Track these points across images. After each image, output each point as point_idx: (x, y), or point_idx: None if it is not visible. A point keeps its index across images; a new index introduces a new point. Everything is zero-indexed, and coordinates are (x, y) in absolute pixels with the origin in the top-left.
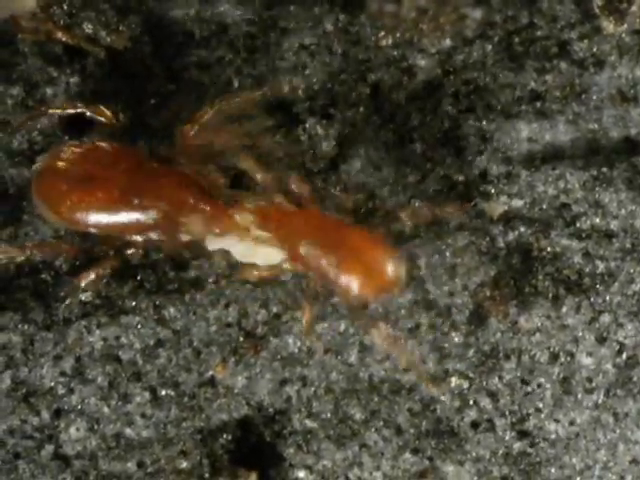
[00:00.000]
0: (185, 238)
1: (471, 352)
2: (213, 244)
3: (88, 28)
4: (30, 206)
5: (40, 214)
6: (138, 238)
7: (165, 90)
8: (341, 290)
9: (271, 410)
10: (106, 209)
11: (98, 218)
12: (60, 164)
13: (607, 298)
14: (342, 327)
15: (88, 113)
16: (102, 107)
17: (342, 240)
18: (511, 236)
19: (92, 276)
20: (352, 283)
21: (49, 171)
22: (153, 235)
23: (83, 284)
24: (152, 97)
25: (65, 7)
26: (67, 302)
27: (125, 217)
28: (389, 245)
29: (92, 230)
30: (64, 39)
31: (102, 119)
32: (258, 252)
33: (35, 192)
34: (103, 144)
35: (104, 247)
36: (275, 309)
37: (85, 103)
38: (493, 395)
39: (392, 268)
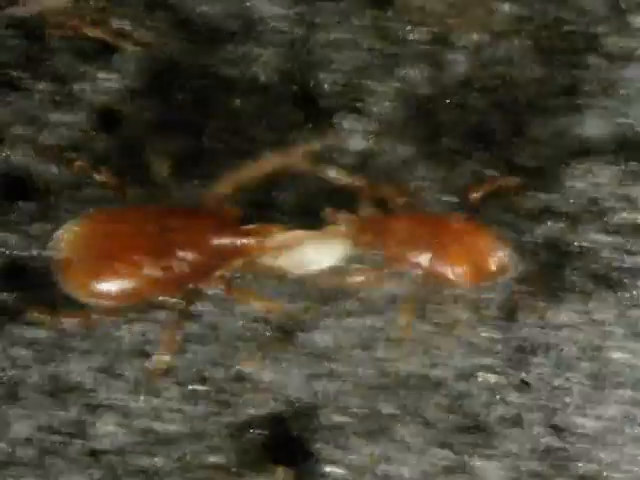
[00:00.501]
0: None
1: (500, 347)
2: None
3: (117, 24)
4: (57, 202)
5: (71, 294)
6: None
7: (193, 86)
8: (450, 282)
9: (299, 405)
10: (138, 277)
11: (131, 287)
12: (79, 243)
13: (636, 293)
14: (370, 322)
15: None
16: (107, 172)
17: (443, 232)
18: (540, 231)
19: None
20: (459, 274)
21: (71, 253)
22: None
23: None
24: (181, 93)
25: (94, 2)
26: None
27: (160, 277)
28: (490, 229)
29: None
30: (93, 34)
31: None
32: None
33: (60, 276)
34: (116, 211)
35: None
36: (303, 304)
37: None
38: (522, 390)
39: (499, 253)
